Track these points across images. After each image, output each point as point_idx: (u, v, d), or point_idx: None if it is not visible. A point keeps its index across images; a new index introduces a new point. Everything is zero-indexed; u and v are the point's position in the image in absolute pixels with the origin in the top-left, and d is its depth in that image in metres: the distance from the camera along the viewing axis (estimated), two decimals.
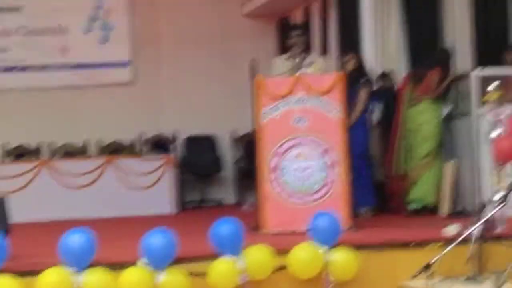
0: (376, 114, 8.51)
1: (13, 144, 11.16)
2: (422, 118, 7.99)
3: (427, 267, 5.34)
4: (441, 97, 8.07)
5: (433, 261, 5.38)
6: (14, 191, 9.44)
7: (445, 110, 8.08)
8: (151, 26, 11.62)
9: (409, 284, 5.63)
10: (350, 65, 7.93)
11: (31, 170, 9.94)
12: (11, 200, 6.35)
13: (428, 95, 8.00)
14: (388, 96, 8.55)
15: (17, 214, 6.51)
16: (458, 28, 9.11)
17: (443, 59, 8.17)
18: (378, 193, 8.21)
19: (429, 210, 7.91)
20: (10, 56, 11.41)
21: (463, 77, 8.01)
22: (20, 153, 11.07)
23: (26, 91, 11.28)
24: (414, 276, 5.54)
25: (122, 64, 11.59)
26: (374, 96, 8.20)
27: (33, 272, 5.26)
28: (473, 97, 7.48)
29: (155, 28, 11.64)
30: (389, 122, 8.39)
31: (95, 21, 11.58)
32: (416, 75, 8.20)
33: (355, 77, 7.93)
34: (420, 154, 7.97)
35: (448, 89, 8.18)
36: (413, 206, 7.97)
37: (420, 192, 7.93)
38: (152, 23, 11.63)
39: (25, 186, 9.84)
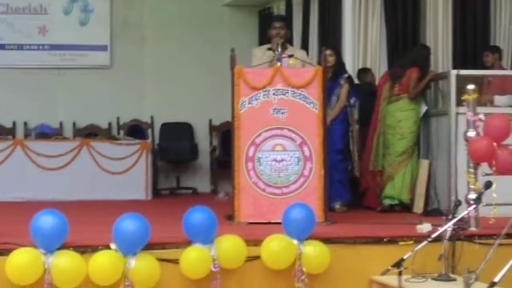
0: (356, 109, 8.48)
1: None
2: (400, 115, 8.00)
3: (399, 263, 5.36)
4: (420, 95, 8.08)
5: (405, 257, 5.40)
6: None
7: (424, 108, 8.10)
8: (132, 11, 11.57)
9: (380, 279, 5.65)
10: (330, 60, 7.90)
11: (5, 149, 9.85)
12: None
13: (407, 93, 8.01)
14: (367, 91, 8.55)
15: None
16: (439, 27, 9.14)
17: (422, 56, 8.18)
18: (354, 188, 8.21)
19: (404, 207, 7.94)
20: None
21: (442, 76, 8.05)
22: None
23: (4, 70, 11.17)
24: (386, 271, 5.57)
25: (102, 47, 11.50)
26: (354, 91, 8.19)
27: (3, 252, 5.21)
28: (452, 96, 7.49)
29: (135, 13, 11.59)
30: (367, 118, 8.39)
31: (75, 2, 11.49)
32: (395, 72, 8.22)
33: (334, 72, 7.93)
34: (397, 151, 7.99)
35: (427, 88, 8.21)
36: (387, 202, 8.00)
37: (395, 189, 7.96)
38: (133, 8, 11.58)
39: None
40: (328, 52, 7.92)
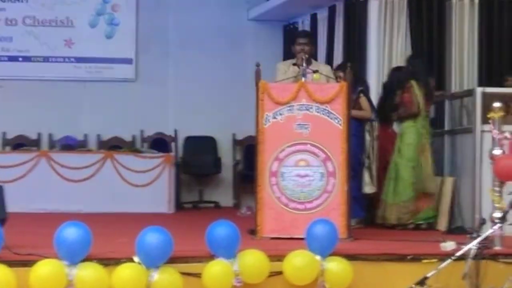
0: (376, 124, 8.39)
1: (14, 133, 11.16)
2: (426, 131, 7.92)
3: (423, 281, 5.32)
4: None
5: (429, 275, 5.37)
6: (12, 181, 9.47)
7: None
8: (157, 25, 11.63)
9: None
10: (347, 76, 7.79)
11: (30, 160, 9.93)
12: (9, 189, 6.31)
13: (430, 106, 7.99)
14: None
15: (14, 203, 6.48)
16: (465, 43, 9.13)
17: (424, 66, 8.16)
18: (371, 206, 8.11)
19: (427, 225, 7.87)
20: (14, 46, 11.40)
21: (467, 93, 8.00)
22: (20, 143, 11.06)
23: (29, 82, 11.27)
24: None
25: (127, 61, 11.57)
26: (372, 106, 8.11)
27: (27, 263, 5.23)
28: (477, 114, 7.45)
29: (161, 27, 11.64)
30: None
31: (101, 15, 11.57)
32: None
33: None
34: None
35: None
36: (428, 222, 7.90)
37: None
38: (158, 22, 11.64)
39: (23, 176, 9.83)
40: (338, 74, 7.83)
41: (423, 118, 7.89)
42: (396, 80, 8.14)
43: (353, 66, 7.40)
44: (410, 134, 7.85)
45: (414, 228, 7.80)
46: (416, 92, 7.86)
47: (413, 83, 7.88)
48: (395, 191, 7.81)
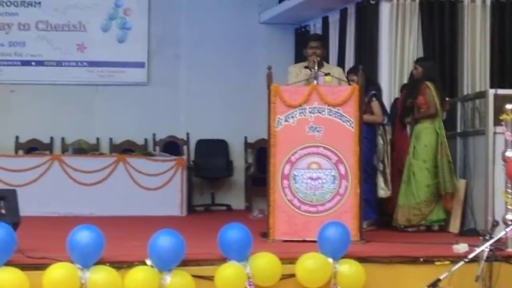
0: (389, 128, 8.38)
1: (26, 137, 11.21)
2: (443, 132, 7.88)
3: (435, 283, 5.31)
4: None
5: (441, 277, 5.35)
6: (24, 185, 9.51)
7: None
8: (169, 28, 11.65)
9: None
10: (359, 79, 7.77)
11: (42, 164, 9.97)
12: (21, 193, 6.34)
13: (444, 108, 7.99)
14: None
15: (26, 207, 6.51)
16: (477, 45, 9.12)
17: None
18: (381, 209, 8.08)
19: (439, 227, 7.85)
20: (27, 51, 11.45)
21: (480, 95, 7.97)
22: (32, 147, 11.11)
23: (42, 86, 11.33)
24: None
25: (139, 64, 11.60)
26: (384, 110, 8.09)
27: (40, 267, 5.25)
28: (489, 116, 7.43)
29: (173, 30, 11.67)
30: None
31: (113, 20, 11.61)
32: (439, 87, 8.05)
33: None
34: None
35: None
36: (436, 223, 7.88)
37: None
38: (170, 25, 11.66)
39: (35, 180, 9.87)
40: (351, 78, 7.81)
41: (440, 119, 7.87)
42: (412, 82, 8.13)
43: (365, 69, 7.40)
44: (427, 136, 7.81)
45: (426, 230, 7.78)
46: (433, 93, 7.83)
47: (429, 84, 7.85)
48: (408, 192, 7.79)
